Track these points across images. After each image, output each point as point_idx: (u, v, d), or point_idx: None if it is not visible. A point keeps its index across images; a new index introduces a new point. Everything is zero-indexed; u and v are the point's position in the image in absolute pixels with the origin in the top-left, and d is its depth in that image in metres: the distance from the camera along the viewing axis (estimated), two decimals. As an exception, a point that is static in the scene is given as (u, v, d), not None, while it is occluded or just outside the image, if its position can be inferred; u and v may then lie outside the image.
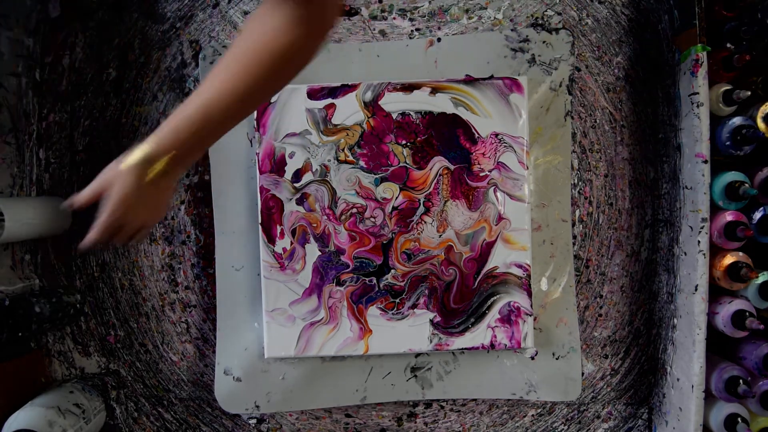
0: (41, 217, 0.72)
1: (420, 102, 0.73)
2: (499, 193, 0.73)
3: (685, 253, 0.70)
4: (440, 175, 0.73)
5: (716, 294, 0.69)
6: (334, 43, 0.76)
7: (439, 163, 0.73)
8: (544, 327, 0.76)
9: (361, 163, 0.73)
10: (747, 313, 0.65)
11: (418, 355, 0.77)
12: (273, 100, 0.72)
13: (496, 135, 0.73)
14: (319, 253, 0.73)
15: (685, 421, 0.69)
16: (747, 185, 0.66)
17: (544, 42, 0.75)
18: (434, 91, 0.73)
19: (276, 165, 0.73)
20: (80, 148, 0.79)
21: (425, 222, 0.73)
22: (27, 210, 0.71)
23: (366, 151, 0.73)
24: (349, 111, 0.73)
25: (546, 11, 0.77)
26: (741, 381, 0.65)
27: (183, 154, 0.51)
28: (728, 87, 0.67)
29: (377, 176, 0.73)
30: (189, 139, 0.50)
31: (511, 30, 0.76)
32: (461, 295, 0.73)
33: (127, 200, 0.52)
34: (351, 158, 0.73)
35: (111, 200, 0.53)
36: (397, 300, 0.73)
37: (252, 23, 0.45)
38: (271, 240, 0.73)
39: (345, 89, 0.73)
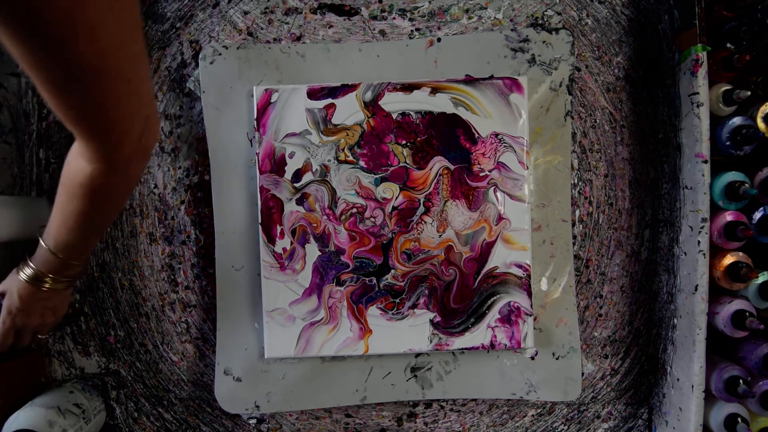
0: (21, 218, 0.71)
1: (420, 102, 0.73)
2: (499, 193, 0.73)
3: (685, 253, 0.70)
4: (440, 175, 0.73)
5: (716, 294, 0.69)
6: (334, 43, 0.76)
7: (439, 163, 0.73)
8: (544, 327, 0.76)
9: (361, 163, 0.73)
10: (747, 313, 0.65)
11: (418, 355, 0.77)
12: (273, 100, 0.72)
13: (496, 135, 0.73)
14: (319, 253, 0.73)
15: (685, 421, 0.69)
16: (747, 185, 0.66)
17: (544, 42, 0.75)
18: (434, 91, 0.73)
19: (276, 165, 0.73)
20: (80, 148, 0.79)
21: (425, 222, 0.73)
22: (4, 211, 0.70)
23: (366, 151, 0.73)
24: (349, 111, 0.73)
25: (546, 11, 0.77)
26: (741, 381, 0.65)
27: (59, 274, 0.58)
28: (728, 87, 0.67)
29: (377, 176, 0.73)
30: (56, 264, 0.56)
31: (511, 30, 0.76)
32: (461, 295, 0.73)
33: (15, 307, 0.60)
34: (351, 158, 0.73)
35: (4, 308, 0.61)
36: (397, 300, 0.73)
37: (68, 158, 0.47)
38: (271, 240, 0.73)
39: (345, 89, 0.73)
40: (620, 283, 0.79)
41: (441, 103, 0.72)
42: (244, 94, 0.75)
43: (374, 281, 0.73)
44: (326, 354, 0.73)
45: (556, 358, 0.77)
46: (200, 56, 0.75)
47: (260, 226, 0.73)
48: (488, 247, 0.73)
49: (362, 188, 0.73)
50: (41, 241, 0.56)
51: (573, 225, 0.78)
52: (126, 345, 0.80)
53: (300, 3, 0.77)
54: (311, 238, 0.73)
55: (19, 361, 0.74)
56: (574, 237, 0.79)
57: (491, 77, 0.73)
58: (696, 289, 0.67)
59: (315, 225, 0.73)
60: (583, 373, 0.79)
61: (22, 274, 0.58)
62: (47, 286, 0.59)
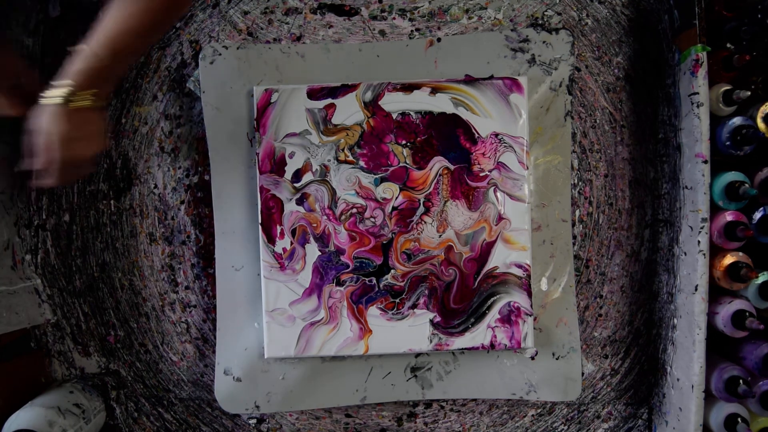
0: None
1: (420, 102, 0.73)
2: (499, 193, 0.73)
3: (685, 253, 0.70)
4: (440, 175, 0.73)
5: (716, 294, 0.69)
6: (334, 43, 0.76)
7: (439, 163, 0.73)
8: (544, 327, 0.76)
9: (361, 163, 0.73)
10: (747, 313, 0.65)
11: (418, 355, 0.77)
12: (273, 100, 0.72)
13: (496, 135, 0.73)
14: (319, 253, 0.73)
15: (685, 421, 0.69)
16: (747, 185, 0.66)
17: (544, 42, 0.75)
18: (434, 91, 0.73)
19: (276, 165, 0.73)
20: (80, 148, 0.79)
21: (425, 222, 0.73)
22: None
23: (366, 151, 0.73)
24: (349, 111, 0.73)
25: (546, 11, 0.77)
26: (741, 381, 0.65)
27: (89, 86, 0.56)
28: (728, 87, 0.67)
29: (377, 176, 0.73)
30: (92, 72, 0.55)
31: (511, 30, 0.76)
32: (461, 295, 0.73)
33: (57, 137, 0.55)
34: (351, 158, 0.73)
35: (42, 143, 0.56)
36: (397, 300, 0.73)
37: None
38: (271, 240, 0.73)
39: (345, 89, 0.73)
40: (620, 283, 0.79)
41: (441, 103, 0.72)
42: (244, 94, 0.75)
43: (374, 281, 0.73)
44: (326, 354, 0.73)
45: (556, 358, 0.77)
46: (200, 56, 0.75)
47: (260, 226, 0.73)
48: (488, 247, 0.73)
49: (362, 188, 0.73)
50: (85, 56, 0.54)
51: (573, 225, 0.78)
52: (126, 345, 0.80)
53: (300, 3, 0.77)
54: (311, 238, 0.73)
55: (19, 361, 0.74)
56: (574, 237, 0.79)
57: (491, 77, 0.73)
58: (696, 289, 0.67)
59: (315, 225, 0.73)
60: (583, 373, 0.79)
61: (45, 100, 0.55)
62: (75, 104, 0.55)
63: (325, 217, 0.73)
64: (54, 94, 0.54)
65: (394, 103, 0.73)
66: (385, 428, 0.80)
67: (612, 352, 0.80)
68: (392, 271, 0.73)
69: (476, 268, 0.73)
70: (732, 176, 0.67)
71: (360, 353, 0.73)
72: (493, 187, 0.73)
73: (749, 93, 0.65)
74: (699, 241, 0.66)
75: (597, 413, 0.81)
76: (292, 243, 0.73)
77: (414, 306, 0.73)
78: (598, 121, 0.78)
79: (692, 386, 0.67)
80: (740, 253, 0.68)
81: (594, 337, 0.80)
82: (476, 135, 0.73)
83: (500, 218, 0.73)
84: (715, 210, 0.68)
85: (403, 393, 0.77)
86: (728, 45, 0.67)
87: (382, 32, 0.77)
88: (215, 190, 0.76)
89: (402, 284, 0.73)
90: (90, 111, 0.56)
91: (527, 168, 0.73)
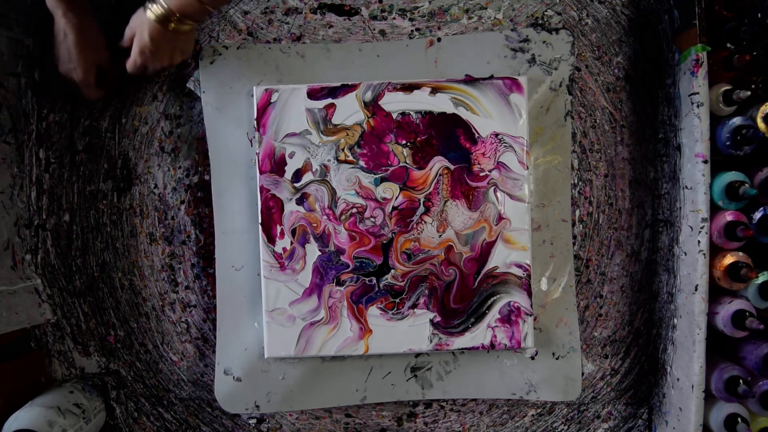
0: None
1: (420, 102, 0.73)
2: (499, 193, 0.73)
3: (685, 253, 0.70)
4: (440, 175, 0.73)
5: (716, 294, 0.69)
6: (334, 43, 0.76)
7: (439, 163, 0.73)
8: (544, 327, 0.76)
9: (361, 163, 0.73)
10: (747, 313, 0.65)
11: (418, 355, 0.77)
12: (273, 100, 0.72)
13: (496, 135, 0.73)
14: (319, 253, 0.73)
15: (685, 421, 0.69)
16: (747, 185, 0.66)
17: (544, 42, 0.75)
18: (434, 91, 0.73)
19: (276, 165, 0.73)
20: (80, 148, 0.79)
21: (425, 222, 0.73)
22: None
23: (366, 151, 0.73)
24: (349, 111, 0.73)
25: (546, 11, 0.77)
26: (741, 381, 0.65)
27: (189, 16, 0.61)
28: (728, 87, 0.67)
29: (377, 176, 0.73)
30: (192, 4, 0.59)
31: (511, 30, 0.76)
32: (461, 295, 0.73)
33: (147, 49, 0.64)
34: (351, 158, 0.73)
35: (135, 48, 0.64)
36: (397, 300, 0.73)
37: None
38: (271, 240, 0.73)
39: (345, 89, 0.73)
40: (620, 283, 0.79)
41: (441, 103, 0.72)
42: (244, 94, 0.75)
43: (374, 281, 0.73)
44: (326, 354, 0.73)
45: (556, 358, 0.77)
46: (200, 56, 0.75)
47: (260, 226, 0.73)
48: (488, 247, 0.73)
49: (362, 188, 0.73)
50: None
51: (573, 225, 0.78)
52: (126, 345, 0.80)
53: (300, 3, 0.77)
54: (311, 238, 0.73)
55: (19, 361, 0.74)
56: (574, 237, 0.79)
57: (491, 77, 0.73)
58: (696, 289, 0.67)
59: (315, 225, 0.73)
60: (583, 373, 0.79)
61: (149, 12, 0.60)
62: (172, 26, 0.60)
63: (325, 217, 0.73)
64: (150, 10, 0.60)
65: (394, 103, 0.73)
66: (385, 428, 0.80)
67: (612, 352, 0.80)
68: (392, 271, 0.73)
69: (476, 268, 0.73)
70: (732, 176, 0.67)
71: (360, 353, 0.73)
72: (493, 187, 0.73)
73: (749, 93, 0.65)
74: (699, 241, 0.66)
75: (597, 413, 0.81)
76: (292, 243, 0.73)
77: (414, 306, 0.73)
78: (598, 121, 0.78)
79: (692, 386, 0.67)
80: (740, 253, 0.68)
81: (594, 337, 0.80)
82: (476, 135, 0.73)
83: (500, 218, 0.73)
84: (715, 210, 0.68)
85: (403, 393, 0.77)
86: (728, 45, 0.67)
87: (382, 32, 0.77)
88: (215, 190, 0.76)
89: (402, 284, 0.73)
90: (179, 33, 0.62)
91: (527, 168, 0.73)
